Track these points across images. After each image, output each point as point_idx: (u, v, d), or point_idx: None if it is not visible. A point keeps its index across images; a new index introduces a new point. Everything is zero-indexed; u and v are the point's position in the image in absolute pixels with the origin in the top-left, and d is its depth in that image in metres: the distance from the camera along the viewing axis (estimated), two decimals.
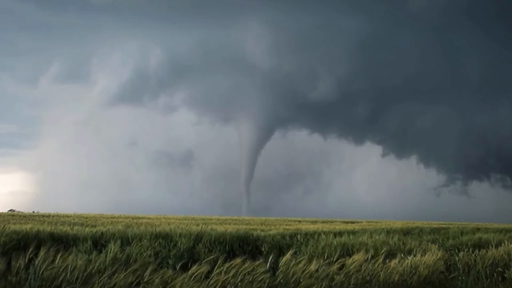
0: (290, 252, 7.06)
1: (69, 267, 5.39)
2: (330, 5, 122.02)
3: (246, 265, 6.06)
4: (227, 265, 5.95)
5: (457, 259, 9.95)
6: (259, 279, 5.96)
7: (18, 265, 5.43)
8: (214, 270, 5.80)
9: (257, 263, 6.24)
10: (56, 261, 5.54)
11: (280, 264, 6.53)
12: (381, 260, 8.01)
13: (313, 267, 6.61)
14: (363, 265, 7.60)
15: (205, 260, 5.97)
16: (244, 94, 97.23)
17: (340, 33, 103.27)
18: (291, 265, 6.58)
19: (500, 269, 9.07)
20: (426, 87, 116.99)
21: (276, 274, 6.39)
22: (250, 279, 5.93)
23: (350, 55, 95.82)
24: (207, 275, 5.74)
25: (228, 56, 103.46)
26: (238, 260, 6.06)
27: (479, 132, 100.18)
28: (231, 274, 5.77)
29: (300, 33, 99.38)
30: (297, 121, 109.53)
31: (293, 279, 6.29)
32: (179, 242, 11.19)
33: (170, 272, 5.64)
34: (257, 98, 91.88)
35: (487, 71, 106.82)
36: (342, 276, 6.94)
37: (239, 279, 5.85)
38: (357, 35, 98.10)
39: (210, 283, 5.53)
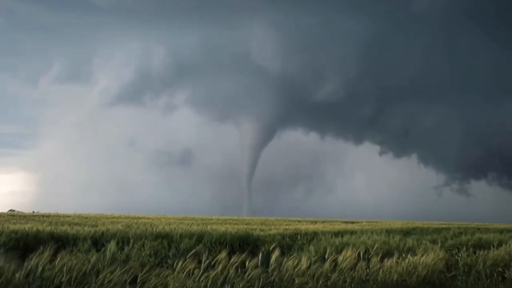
0: (277, 248, 7.04)
1: (68, 267, 5.39)
2: (332, 5, 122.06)
3: (235, 260, 6.07)
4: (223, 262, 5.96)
5: (458, 259, 9.94)
6: (252, 275, 5.96)
7: (17, 265, 5.42)
8: (202, 265, 5.82)
9: (250, 259, 6.24)
10: (56, 261, 5.54)
11: (271, 262, 6.52)
12: (377, 258, 8.00)
13: (304, 264, 6.61)
14: (358, 264, 7.59)
15: (189, 255, 5.97)
16: (246, 94, 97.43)
17: (341, 34, 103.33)
18: (283, 262, 6.58)
19: (500, 269, 9.07)
20: (426, 87, 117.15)
21: (269, 271, 6.38)
22: (244, 276, 5.93)
23: (352, 56, 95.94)
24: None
25: (230, 56, 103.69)
26: (223, 255, 6.07)
27: (479, 131, 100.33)
28: (219, 269, 5.78)
29: (303, 34, 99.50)
30: (298, 121, 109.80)
31: (286, 276, 6.29)
32: (179, 242, 11.20)
33: (165, 269, 5.66)
34: (259, 98, 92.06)
35: (489, 72, 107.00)
36: (336, 274, 6.92)
37: (232, 275, 5.85)
38: (359, 36, 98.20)
39: (201, 279, 5.53)
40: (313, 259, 7.10)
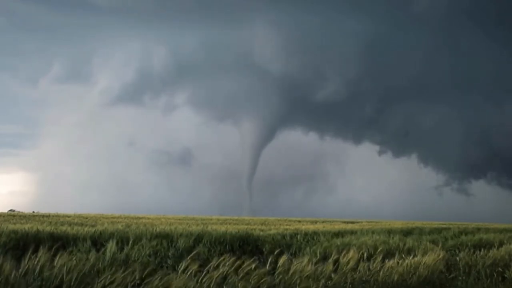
0: (285, 253, 7.03)
1: (68, 267, 5.37)
2: (332, 5, 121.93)
3: (240, 262, 6.06)
4: (226, 263, 5.95)
5: (457, 259, 9.93)
6: (256, 277, 5.95)
7: (17, 265, 5.41)
8: (207, 267, 5.80)
9: (250, 261, 6.23)
10: (56, 261, 5.53)
11: (278, 265, 6.51)
12: (378, 259, 7.99)
13: (309, 267, 6.60)
14: (360, 264, 7.58)
15: (189, 256, 5.95)
16: (246, 94, 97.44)
17: (342, 34, 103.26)
18: (291, 265, 6.56)
19: (500, 269, 9.05)
20: (426, 87, 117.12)
21: (276, 274, 6.36)
22: (248, 278, 5.91)
23: (352, 56, 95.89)
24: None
25: (231, 56, 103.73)
26: (227, 257, 6.05)
27: (479, 131, 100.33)
28: (220, 271, 5.76)
29: (303, 34, 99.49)
30: (298, 121, 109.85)
31: (293, 279, 6.27)
32: (179, 242, 11.18)
33: (166, 270, 5.65)
34: (259, 98, 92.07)
35: (489, 72, 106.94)
36: (338, 275, 6.91)
37: (233, 276, 5.84)
38: (359, 36, 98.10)
39: (204, 280, 5.51)
40: (314, 260, 7.09)
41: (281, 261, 6.54)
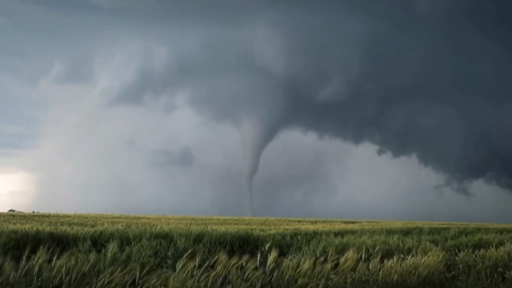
0: (275, 248, 7.01)
1: (68, 268, 5.37)
2: (332, 6, 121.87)
3: (234, 261, 6.07)
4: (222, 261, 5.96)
5: (457, 259, 9.93)
6: (252, 275, 5.95)
7: (17, 265, 5.41)
8: (203, 266, 5.81)
9: (249, 259, 6.23)
10: (56, 262, 5.52)
11: (269, 262, 6.50)
12: (377, 259, 7.98)
13: (306, 265, 6.59)
14: (359, 264, 7.58)
15: (185, 255, 5.95)
16: (246, 94, 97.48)
17: (342, 34, 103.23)
18: (283, 263, 6.56)
19: (500, 269, 9.05)
20: (427, 87, 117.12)
21: (267, 271, 6.35)
22: (244, 277, 5.92)
23: (353, 56, 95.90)
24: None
25: (231, 56, 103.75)
26: (222, 255, 6.07)
27: (479, 131, 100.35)
28: (217, 269, 5.77)
29: (304, 34, 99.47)
30: (298, 121, 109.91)
31: (287, 277, 6.27)
32: (179, 242, 11.18)
33: (165, 269, 5.66)
34: (259, 98, 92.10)
35: (489, 72, 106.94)
36: (338, 275, 6.91)
37: (232, 275, 5.84)
38: (360, 36, 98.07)
39: (201, 279, 5.52)
40: (315, 260, 7.08)
41: (271, 257, 6.52)
